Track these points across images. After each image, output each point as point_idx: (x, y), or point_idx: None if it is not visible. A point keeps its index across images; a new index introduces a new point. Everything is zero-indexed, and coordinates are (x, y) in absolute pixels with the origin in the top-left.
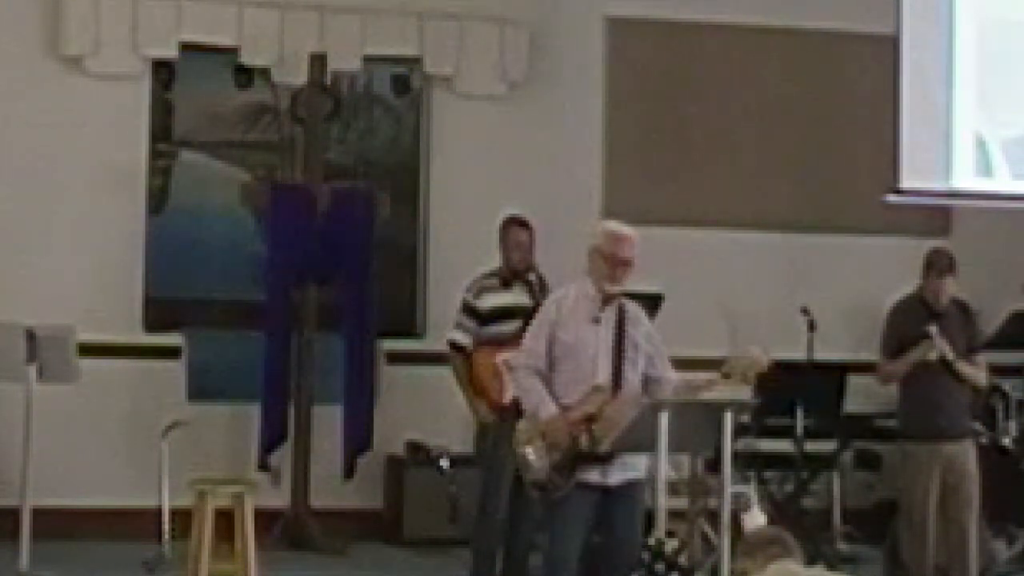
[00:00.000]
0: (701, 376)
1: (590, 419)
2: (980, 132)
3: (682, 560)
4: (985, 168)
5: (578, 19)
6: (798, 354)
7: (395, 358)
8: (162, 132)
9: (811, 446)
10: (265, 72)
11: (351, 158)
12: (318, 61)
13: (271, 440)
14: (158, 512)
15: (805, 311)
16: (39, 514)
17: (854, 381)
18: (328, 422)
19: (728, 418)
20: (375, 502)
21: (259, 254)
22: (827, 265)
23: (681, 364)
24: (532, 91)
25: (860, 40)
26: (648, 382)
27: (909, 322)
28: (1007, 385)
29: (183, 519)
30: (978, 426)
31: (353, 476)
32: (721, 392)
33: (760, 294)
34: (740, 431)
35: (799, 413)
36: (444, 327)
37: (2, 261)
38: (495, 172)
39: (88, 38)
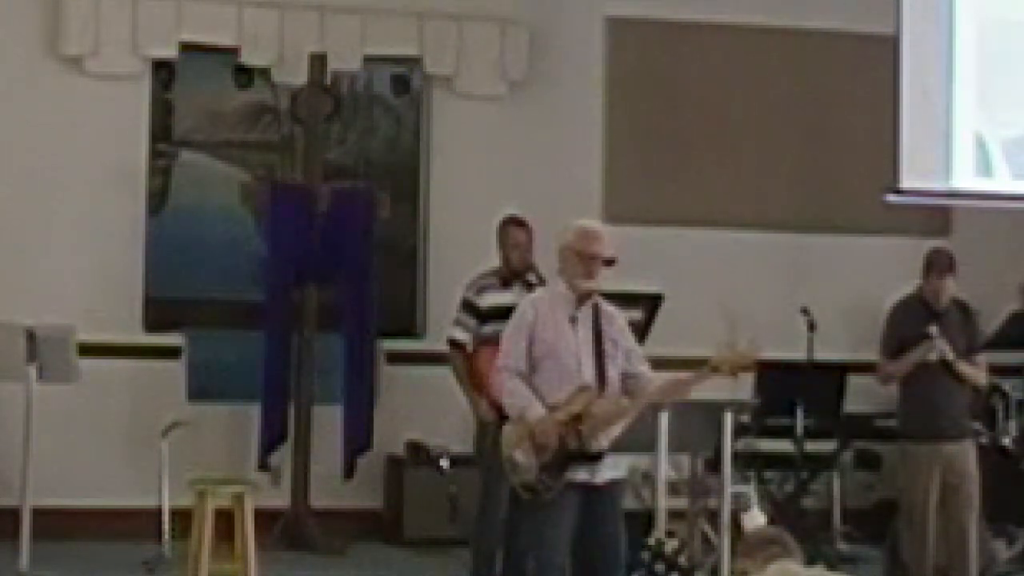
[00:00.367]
0: (684, 374)
1: (577, 418)
2: (980, 132)
3: (682, 560)
4: (985, 168)
5: (578, 19)
6: (798, 354)
7: (395, 358)
8: (162, 132)
9: (811, 446)
10: (265, 72)
11: (351, 158)
12: (318, 61)
13: (271, 440)
14: (158, 512)
15: (805, 311)
16: (39, 514)
17: (854, 381)
18: (328, 422)
19: (728, 418)
20: (375, 502)
21: (259, 254)
22: (827, 265)
23: (681, 364)
24: (532, 91)
25: (860, 40)
26: (626, 379)
27: (909, 322)
28: (1007, 385)
29: (183, 519)
30: (978, 426)
31: (353, 476)
32: (715, 388)
33: (760, 294)
34: (740, 431)
35: (799, 413)
36: (444, 327)
37: (2, 261)
38: (495, 172)
39: (88, 38)
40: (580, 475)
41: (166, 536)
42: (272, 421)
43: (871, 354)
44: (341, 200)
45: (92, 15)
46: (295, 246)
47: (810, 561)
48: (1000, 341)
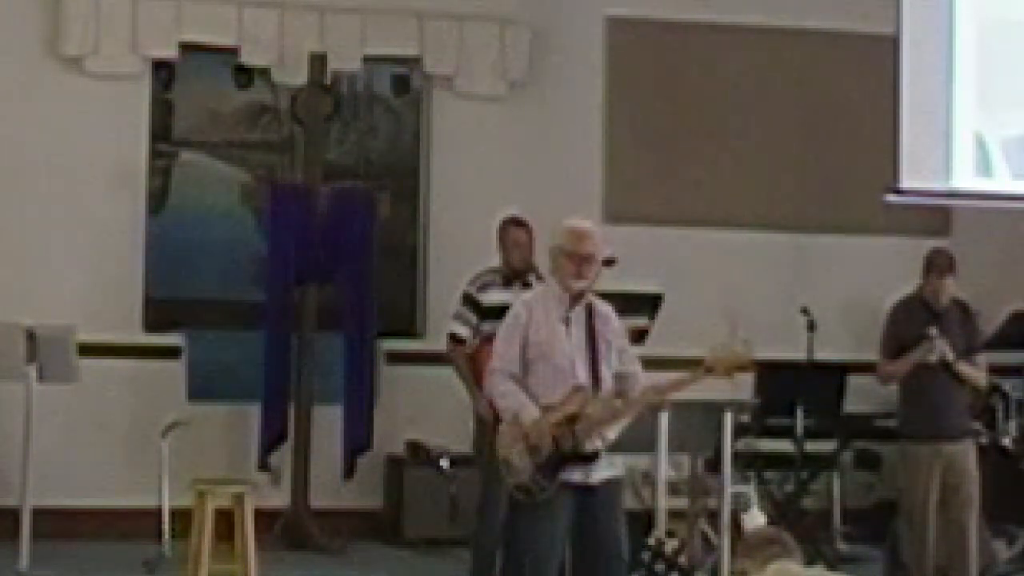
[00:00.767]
0: (673, 376)
1: (572, 419)
2: (980, 132)
3: (682, 560)
4: (985, 168)
5: (578, 19)
6: (798, 354)
7: (395, 358)
8: (162, 132)
9: (811, 446)
10: (265, 72)
11: (351, 158)
12: (318, 61)
13: (271, 440)
14: (158, 512)
15: (805, 311)
16: (39, 514)
17: (854, 381)
18: (328, 422)
19: (728, 418)
20: (375, 502)
21: (259, 254)
22: (827, 265)
23: (681, 364)
24: (532, 91)
25: (860, 40)
26: (618, 378)
27: (909, 322)
28: (1007, 385)
29: (183, 519)
30: (978, 426)
31: (353, 476)
32: (715, 388)
33: (760, 294)
34: (740, 431)
35: (799, 413)
36: (444, 327)
37: (2, 261)
38: (495, 172)
39: (88, 38)
40: (575, 476)
41: (166, 536)
42: (272, 421)
43: (871, 354)
44: (341, 200)
45: (92, 15)
46: (295, 246)
47: (810, 561)
48: (1000, 341)
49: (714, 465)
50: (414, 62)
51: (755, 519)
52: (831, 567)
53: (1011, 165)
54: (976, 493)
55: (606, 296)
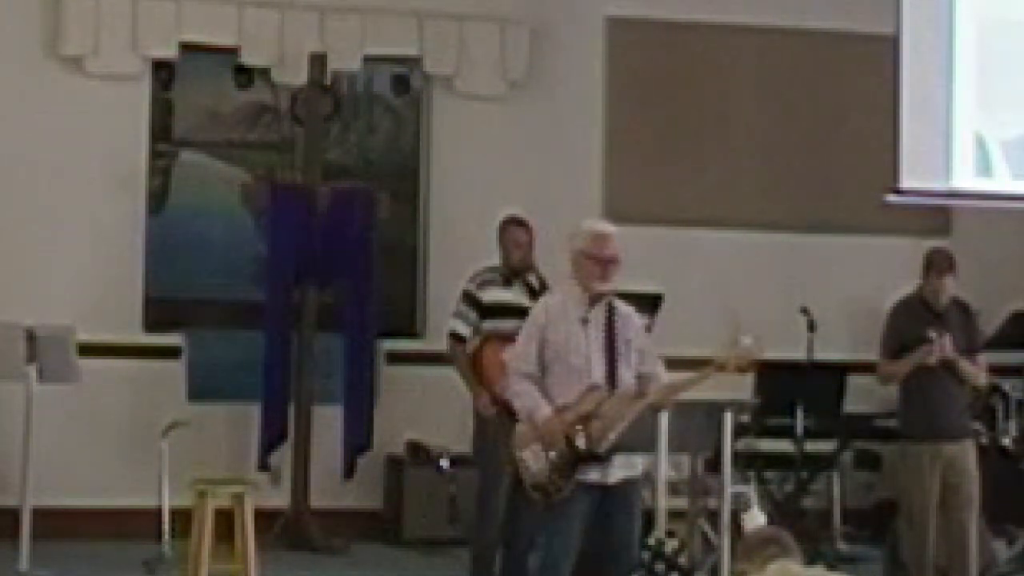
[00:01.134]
0: (683, 376)
1: (587, 419)
2: (980, 132)
3: (682, 560)
4: (985, 168)
5: (578, 19)
6: (798, 354)
7: (395, 358)
8: (162, 132)
9: (811, 446)
10: (265, 72)
11: (351, 158)
12: (318, 61)
13: (271, 440)
14: (158, 512)
15: (805, 311)
16: (39, 514)
17: (854, 381)
18: (328, 422)
19: (728, 418)
20: (375, 502)
21: (259, 254)
22: (827, 265)
23: (681, 364)
24: (532, 91)
25: (860, 40)
26: (640, 379)
27: (910, 322)
28: (1007, 385)
29: (183, 519)
30: (978, 426)
31: (353, 476)
32: (715, 388)
33: (760, 294)
34: (740, 431)
35: (799, 413)
36: (444, 327)
37: (2, 261)
38: (495, 172)
39: (88, 38)
40: (591, 476)
41: (166, 536)
42: (272, 421)
43: (871, 354)
44: (341, 200)
45: (92, 15)
46: (295, 246)
47: (810, 561)
48: (1000, 341)
49: (714, 465)
50: (414, 62)
51: (755, 519)
52: (831, 567)
53: (1011, 165)
54: (976, 493)
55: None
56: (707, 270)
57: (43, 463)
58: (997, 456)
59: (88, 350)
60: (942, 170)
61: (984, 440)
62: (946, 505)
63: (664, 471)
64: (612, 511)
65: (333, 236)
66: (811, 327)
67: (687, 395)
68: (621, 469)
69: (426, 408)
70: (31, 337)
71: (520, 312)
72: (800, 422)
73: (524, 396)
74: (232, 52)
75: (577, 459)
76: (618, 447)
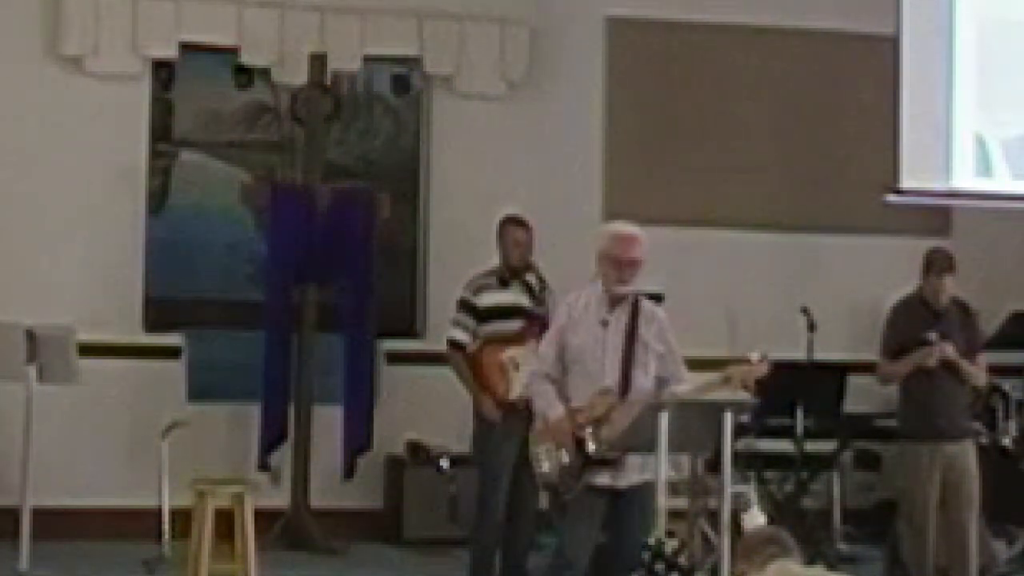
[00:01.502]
0: (685, 388)
1: (597, 421)
2: (980, 132)
3: (682, 560)
4: (985, 168)
5: (578, 19)
6: (798, 354)
7: (395, 358)
8: (162, 132)
9: (811, 446)
10: (265, 72)
11: (351, 158)
12: (318, 61)
13: (271, 440)
14: (158, 512)
15: (805, 311)
16: (39, 514)
17: (854, 381)
18: (328, 422)
19: (728, 418)
20: (375, 502)
21: (259, 254)
22: (827, 265)
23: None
24: (532, 91)
25: (860, 40)
26: (659, 384)
27: (910, 322)
28: (1007, 385)
29: (183, 519)
30: (978, 426)
31: (353, 476)
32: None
33: (760, 294)
34: (740, 431)
35: (799, 413)
36: (444, 327)
37: (2, 261)
38: (495, 172)
39: (88, 38)
40: (601, 479)
41: (166, 536)
42: (272, 421)
43: (871, 354)
44: (341, 200)
45: (92, 15)
46: (295, 246)
47: (810, 561)
48: (1000, 341)
49: (714, 465)
50: (414, 62)
51: (755, 519)
52: (831, 567)
53: (1011, 165)
54: (976, 493)
55: None
56: (707, 270)
57: (43, 463)
58: (997, 456)
59: (88, 350)
60: (942, 170)
61: (984, 440)
62: (946, 505)
63: (664, 471)
64: (624, 514)
65: (333, 236)
66: (811, 327)
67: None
68: (635, 472)
69: (426, 408)
70: (31, 337)
71: (519, 312)
72: (800, 422)
73: (540, 396)
74: (232, 52)
75: (586, 461)
76: (629, 450)
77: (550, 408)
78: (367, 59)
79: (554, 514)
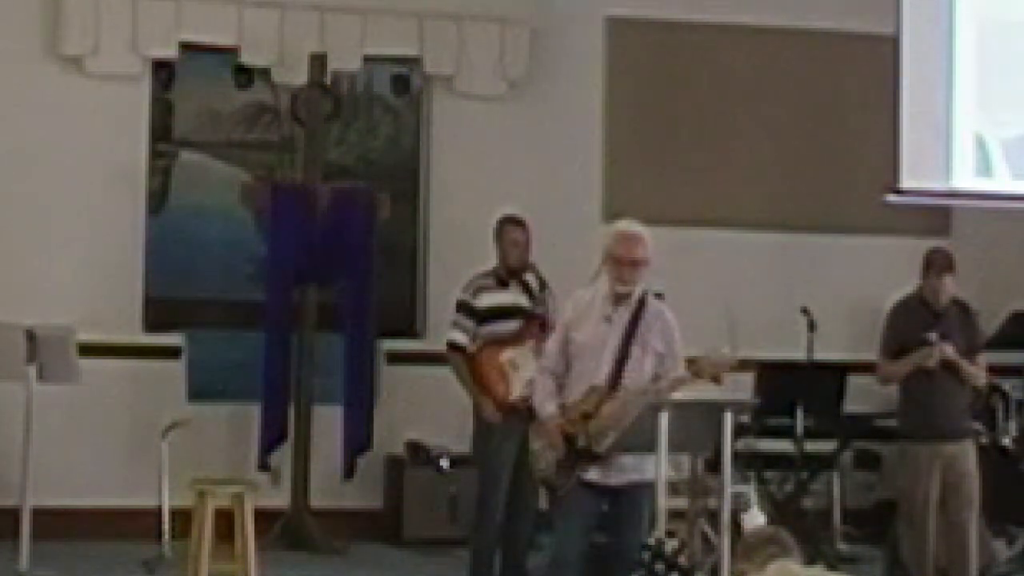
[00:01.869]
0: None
1: (586, 417)
2: (980, 132)
3: (682, 560)
4: (985, 168)
5: (578, 19)
6: (798, 354)
7: (395, 358)
8: (162, 132)
9: (811, 446)
10: (265, 72)
11: (351, 158)
12: (318, 61)
13: (271, 440)
14: (158, 512)
15: (805, 311)
16: (39, 514)
17: (854, 381)
18: (328, 422)
19: (728, 418)
20: (375, 502)
21: (259, 254)
22: (827, 265)
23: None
24: (532, 91)
25: (860, 40)
26: (654, 382)
27: (909, 322)
28: (1007, 385)
29: (183, 519)
30: (978, 426)
31: (353, 476)
32: (696, 391)
33: (760, 294)
34: (740, 431)
35: (799, 413)
36: (444, 327)
37: (2, 261)
38: (495, 172)
39: (88, 38)
40: (591, 475)
41: (166, 536)
42: (272, 421)
43: (871, 354)
44: (341, 200)
45: (92, 15)
46: (295, 246)
47: (810, 561)
48: (1000, 341)
49: (714, 465)
50: (414, 62)
51: (755, 519)
52: (831, 567)
53: (1011, 165)
54: (976, 493)
55: None
56: (707, 270)
57: (43, 463)
58: (997, 456)
59: (88, 350)
60: (942, 170)
61: (984, 440)
62: (946, 505)
63: (664, 471)
64: (618, 514)
65: (333, 236)
66: (811, 327)
67: (687, 395)
68: (629, 472)
69: (426, 408)
70: (31, 337)
71: (518, 312)
72: (800, 422)
73: (538, 392)
74: (232, 52)
75: (577, 456)
76: (619, 447)
77: (543, 405)
78: (367, 59)
79: (553, 513)
